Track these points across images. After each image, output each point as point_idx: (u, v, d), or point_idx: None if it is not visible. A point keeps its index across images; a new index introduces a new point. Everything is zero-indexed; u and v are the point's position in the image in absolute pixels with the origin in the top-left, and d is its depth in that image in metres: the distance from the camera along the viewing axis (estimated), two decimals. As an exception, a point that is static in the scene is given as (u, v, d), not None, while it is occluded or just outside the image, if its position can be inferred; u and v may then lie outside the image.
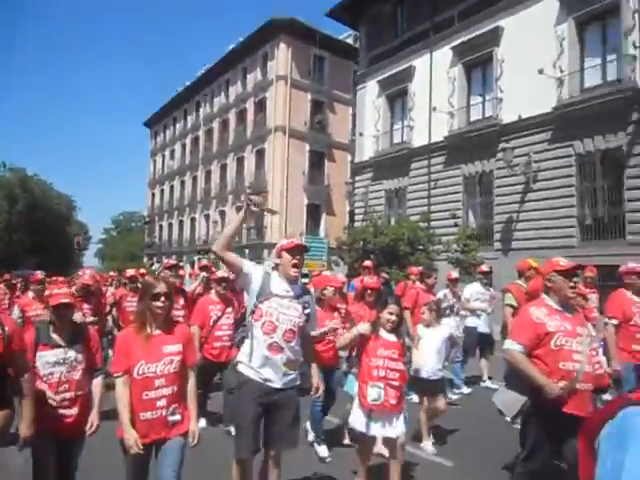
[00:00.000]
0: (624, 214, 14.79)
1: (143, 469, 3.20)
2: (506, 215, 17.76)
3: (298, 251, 3.69)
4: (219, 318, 6.26)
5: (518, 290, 6.39)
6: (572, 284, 3.70)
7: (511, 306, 6.32)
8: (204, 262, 10.92)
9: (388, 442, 4.22)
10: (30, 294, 7.57)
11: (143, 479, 3.21)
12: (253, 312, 3.63)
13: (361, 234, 18.62)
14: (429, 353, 5.47)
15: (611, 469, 1.15)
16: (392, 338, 4.30)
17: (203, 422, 5.90)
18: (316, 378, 3.98)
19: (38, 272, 8.85)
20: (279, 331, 3.56)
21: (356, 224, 23.25)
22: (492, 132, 18.22)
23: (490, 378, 8.55)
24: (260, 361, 3.58)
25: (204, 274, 8.46)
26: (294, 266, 3.66)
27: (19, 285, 12.24)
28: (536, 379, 3.46)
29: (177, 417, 3.27)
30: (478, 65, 19.67)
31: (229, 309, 6.41)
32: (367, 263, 9.68)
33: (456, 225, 18.35)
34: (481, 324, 8.58)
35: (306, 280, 10.91)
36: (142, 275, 9.81)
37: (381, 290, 6.55)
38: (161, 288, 3.28)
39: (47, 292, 3.75)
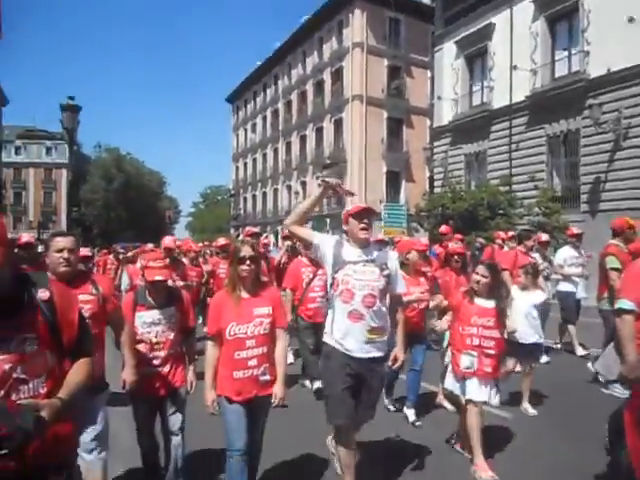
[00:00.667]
0: None
1: (241, 423, 3.27)
2: (593, 175, 16.98)
3: (365, 214, 3.57)
4: (311, 280, 6.31)
5: (619, 251, 5.96)
6: None
7: (616, 269, 5.78)
8: (286, 232, 10.92)
9: (476, 405, 4.16)
10: (138, 264, 7.97)
11: (241, 432, 3.27)
12: (332, 284, 3.58)
13: (439, 200, 18.54)
14: (518, 316, 5.24)
15: None
16: (488, 304, 4.22)
17: (319, 383, 5.99)
18: (399, 348, 3.80)
19: (149, 245, 9.77)
20: (357, 298, 3.46)
21: (435, 190, 23.05)
22: (578, 88, 17.34)
23: (582, 345, 8.05)
24: (342, 331, 3.52)
25: (288, 243, 8.63)
26: (362, 229, 3.53)
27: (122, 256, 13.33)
28: (627, 357, 2.94)
29: (267, 377, 3.37)
30: (563, 17, 18.66)
31: (320, 271, 6.32)
32: (442, 229, 9.58)
33: (536, 188, 17.76)
34: (579, 290, 8.10)
35: (387, 248, 11.02)
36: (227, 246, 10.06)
37: (466, 255, 6.35)
38: (246, 251, 3.35)
39: (144, 262, 3.93)
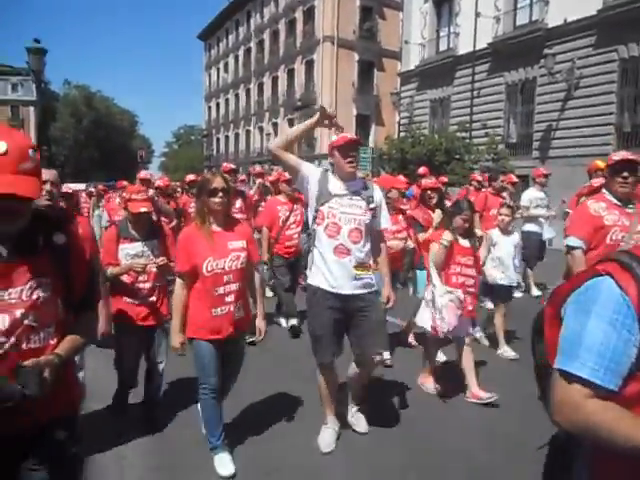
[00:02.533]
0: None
1: (215, 361, 3.23)
2: (546, 123, 17.83)
3: (352, 147, 3.42)
4: (287, 218, 6.31)
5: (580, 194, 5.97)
6: (621, 179, 3.45)
7: None
8: (258, 168, 10.89)
9: (458, 342, 4.35)
10: (117, 200, 8.24)
11: (215, 370, 3.24)
12: (315, 217, 3.45)
13: (399, 144, 19.24)
14: (508, 259, 5.42)
15: (572, 330, 1.20)
16: (466, 244, 4.33)
17: (294, 320, 6.28)
18: (387, 287, 3.68)
19: (124, 181, 9.70)
20: (343, 232, 3.36)
21: (402, 134, 23.70)
22: (537, 37, 17.87)
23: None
24: (328, 267, 3.41)
25: (260, 181, 8.83)
26: (349, 162, 3.39)
27: (95, 194, 13.01)
28: None
29: (242, 313, 3.33)
30: (527, -35, 18.91)
31: (296, 206, 6.44)
32: (420, 170, 9.34)
33: (487, 135, 18.57)
34: (544, 231, 8.25)
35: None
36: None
37: (442, 191, 6.30)
38: (218, 183, 3.17)
39: (126, 195, 3.92)
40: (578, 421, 1.16)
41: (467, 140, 18.87)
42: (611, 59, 15.87)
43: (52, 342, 1.74)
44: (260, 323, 3.48)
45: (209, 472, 3.25)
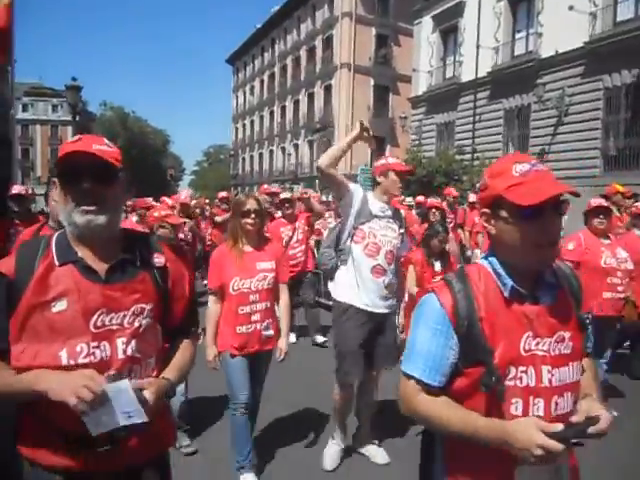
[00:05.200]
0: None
1: (244, 377, 3.31)
2: (539, 147, 18.96)
3: (404, 175, 3.59)
4: (290, 238, 6.47)
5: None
6: (598, 220, 4.42)
7: None
8: (274, 189, 10.39)
9: None
10: (134, 218, 7.83)
11: (245, 386, 3.30)
12: (353, 234, 3.47)
13: (402, 167, 20.54)
14: None
15: (409, 337, 1.50)
16: (438, 267, 4.60)
17: (293, 337, 6.53)
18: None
19: (147, 199, 9.15)
20: (382, 253, 3.44)
21: (406, 156, 25.00)
22: (531, 67, 19.10)
23: None
24: (363, 286, 3.45)
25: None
26: (400, 187, 3.55)
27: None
28: None
29: (270, 332, 3.39)
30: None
31: (298, 223, 6.64)
32: (419, 199, 10.42)
33: (477, 158, 19.82)
34: None
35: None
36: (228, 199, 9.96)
37: (444, 210, 6.65)
38: (251, 205, 3.29)
39: (162, 213, 3.94)
40: (415, 411, 1.45)
41: (466, 162, 20.10)
42: (597, 88, 17.01)
43: (153, 374, 1.60)
44: (282, 343, 3.48)
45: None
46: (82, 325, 1.48)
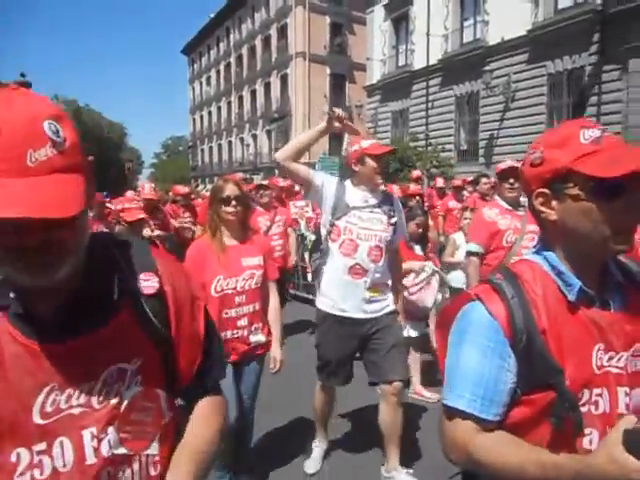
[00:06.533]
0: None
1: (230, 393, 2.76)
2: (489, 132, 19.58)
3: (384, 158, 3.11)
4: (269, 228, 5.99)
5: None
6: (508, 185, 3.75)
7: None
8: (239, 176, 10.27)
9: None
10: (90, 214, 8.40)
11: (232, 406, 2.80)
12: (329, 232, 3.11)
13: (357, 154, 20.91)
14: None
15: (450, 360, 1.17)
16: (418, 251, 4.50)
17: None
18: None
19: (99, 193, 8.30)
20: (361, 250, 3.04)
21: (365, 144, 25.34)
22: (479, 54, 19.63)
23: None
24: (339, 290, 3.10)
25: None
26: (379, 174, 3.07)
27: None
28: None
29: (260, 337, 2.96)
30: (470, -12, 20.70)
31: (278, 217, 6.09)
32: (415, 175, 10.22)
33: (430, 144, 20.33)
34: None
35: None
36: (188, 195, 8.61)
37: (422, 196, 6.36)
38: (231, 190, 2.86)
39: (119, 206, 3.70)
40: (469, 459, 1.10)
41: (420, 149, 20.59)
42: (541, 74, 17.64)
43: (154, 473, 1.00)
44: (275, 352, 3.06)
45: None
46: (16, 417, 0.87)
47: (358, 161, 3.08)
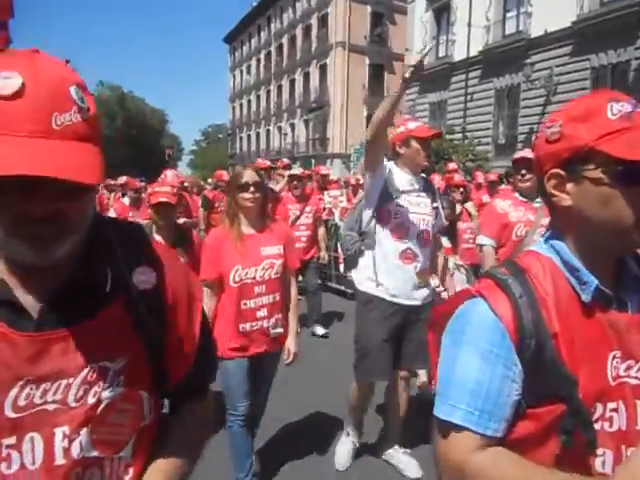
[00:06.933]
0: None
1: (244, 385, 2.84)
2: (528, 126, 19.28)
3: (430, 141, 3.09)
4: (297, 218, 5.96)
5: None
6: (520, 176, 3.61)
7: None
8: (285, 161, 9.77)
9: None
10: (126, 200, 7.17)
11: (245, 396, 2.85)
12: (377, 216, 3.04)
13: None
14: None
15: (444, 365, 1.00)
16: (447, 244, 4.40)
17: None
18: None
19: (137, 179, 8.46)
20: (412, 234, 3.00)
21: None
22: (521, 46, 19.29)
23: None
24: (389, 274, 3.03)
25: (288, 172, 7.44)
26: (426, 156, 3.06)
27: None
28: None
29: (280, 330, 2.91)
30: (514, -22, 20.32)
31: (308, 208, 6.02)
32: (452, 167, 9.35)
33: (466, 138, 20.13)
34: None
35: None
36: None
37: (467, 188, 6.19)
38: (249, 177, 2.78)
39: (149, 190, 3.67)
40: (466, 478, 0.93)
41: (456, 142, 20.43)
42: (584, 67, 17.26)
43: (126, 479, 0.95)
44: (291, 343, 3.01)
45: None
46: None
47: (403, 143, 3.04)
